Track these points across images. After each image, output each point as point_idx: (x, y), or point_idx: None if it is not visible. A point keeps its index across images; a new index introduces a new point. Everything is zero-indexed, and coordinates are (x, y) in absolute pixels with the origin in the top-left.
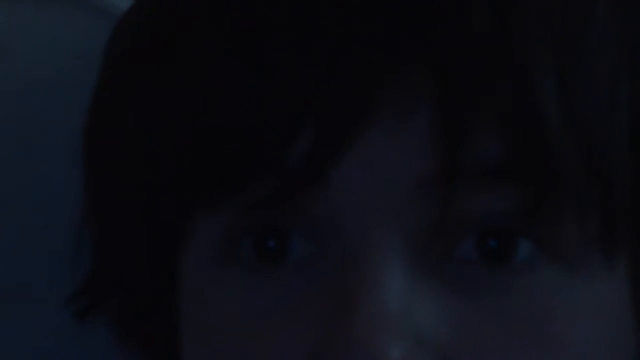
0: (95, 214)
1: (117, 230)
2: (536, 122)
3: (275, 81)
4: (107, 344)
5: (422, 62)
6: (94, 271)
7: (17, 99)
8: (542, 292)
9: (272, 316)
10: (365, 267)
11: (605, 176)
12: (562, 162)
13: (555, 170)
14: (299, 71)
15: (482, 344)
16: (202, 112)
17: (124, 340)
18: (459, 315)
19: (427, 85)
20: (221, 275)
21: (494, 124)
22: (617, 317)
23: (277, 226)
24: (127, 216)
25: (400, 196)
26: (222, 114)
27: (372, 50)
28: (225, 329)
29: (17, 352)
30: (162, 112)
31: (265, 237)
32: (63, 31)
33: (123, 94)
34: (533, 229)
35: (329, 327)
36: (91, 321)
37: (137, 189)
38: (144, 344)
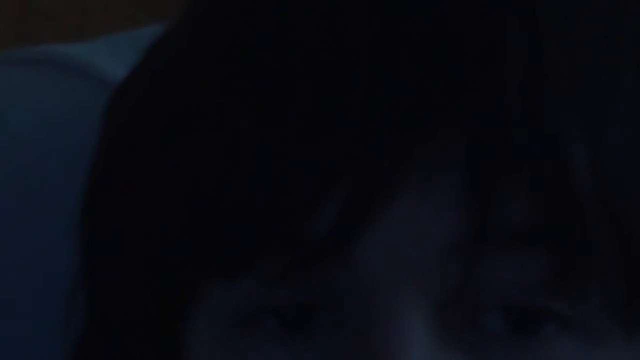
0: (90, 281)
1: (115, 299)
2: (567, 190)
3: (296, 151)
4: None
5: (450, 128)
6: (88, 336)
7: (7, 164)
8: None
9: None
10: (390, 335)
11: (630, 247)
12: (591, 232)
13: (583, 237)
14: (322, 142)
15: None
16: (217, 183)
17: None
18: None
19: (453, 150)
20: (236, 344)
21: (524, 189)
22: None
23: (296, 298)
24: (129, 282)
25: (426, 264)
26: (239, 185)
27: (400, 120)
28: None
29: None
30: (174, 182)
31: (284, 308)
32: (51, 96)
33: (128, 164)
34: (558, 300)
35: None
36: None
37: (141, 255)
38: None
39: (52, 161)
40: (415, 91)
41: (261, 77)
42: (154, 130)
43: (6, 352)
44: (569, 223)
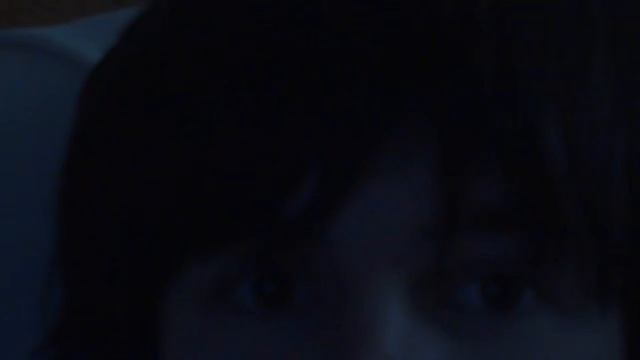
0: (67, 261)
1: (93, 279)
2: (540, 171)
3: (272, 131)
4: None
5: (422, 111)
6: (65, 320)
7: None
8: (539, 338)
9: None
10: (366, 312)
11: (603, 226)
12: (564, 211)
13: (557, 218)
14: (297, 122)
15: None
16: (194, 162)
17: None
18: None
19: (427, 132)
20: (213, 320)
21: (496, 171)
22: None
23: (274, 272)
24: (106, 264)
25: (400, 244)
26: (216, 165)
27: (372, 101)
28: None
29: None
30: (150, 161)
31: (261, 283)
32: (27, 79)
33: (104, 146)
34: (533, 276)
35: None
36: None
37: (119, 236)
38: None
39: (27, 143)
40: (388, 74)
41: (237, 60)
42: (130, 111)
43: None
44: (542, 203)
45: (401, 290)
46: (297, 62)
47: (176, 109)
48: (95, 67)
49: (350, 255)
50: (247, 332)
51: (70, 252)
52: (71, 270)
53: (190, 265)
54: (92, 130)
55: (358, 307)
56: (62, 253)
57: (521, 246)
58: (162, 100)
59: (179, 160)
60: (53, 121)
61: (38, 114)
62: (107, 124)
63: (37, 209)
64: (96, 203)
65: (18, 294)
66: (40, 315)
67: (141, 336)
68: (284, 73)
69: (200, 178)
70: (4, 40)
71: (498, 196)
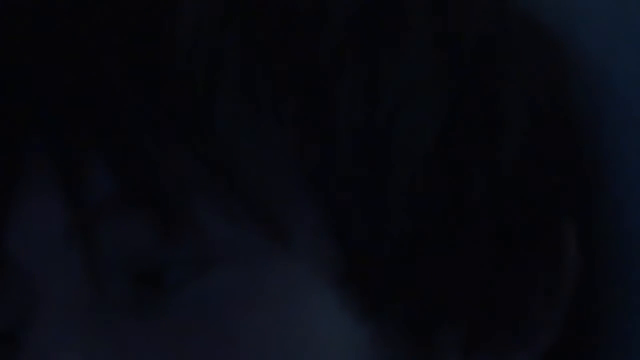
0: None
1: None
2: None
3: None
4: None
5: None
6: None
7: None
8: (196, 306)
9: None
10: (34, 323)
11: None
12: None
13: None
14: None
15: None
16: None
17: None
18: (126, 342)
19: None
20: None
21: (103, 162)
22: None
23: None
24: None
25: (54, 247)
26: None
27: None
28: None
29: None
30: None
31: None
32: None
33: None
34: (175, 253)
35: None
36: None
37: None
38: None
39: None
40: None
41: None
42: None
43: None
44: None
45: (62, 294)
46: None
47: None
48: None
49: (22, 262)
50: None
51: None
52: None
53: None
54: None
55: (28, 321)
56: None
57: (149, 225)
58: None
59: None
60: None
61: None
62: None
63: None
64: None
65: None
66: None
67: None
68: None
69: None
70: None
71: (111, 182)
